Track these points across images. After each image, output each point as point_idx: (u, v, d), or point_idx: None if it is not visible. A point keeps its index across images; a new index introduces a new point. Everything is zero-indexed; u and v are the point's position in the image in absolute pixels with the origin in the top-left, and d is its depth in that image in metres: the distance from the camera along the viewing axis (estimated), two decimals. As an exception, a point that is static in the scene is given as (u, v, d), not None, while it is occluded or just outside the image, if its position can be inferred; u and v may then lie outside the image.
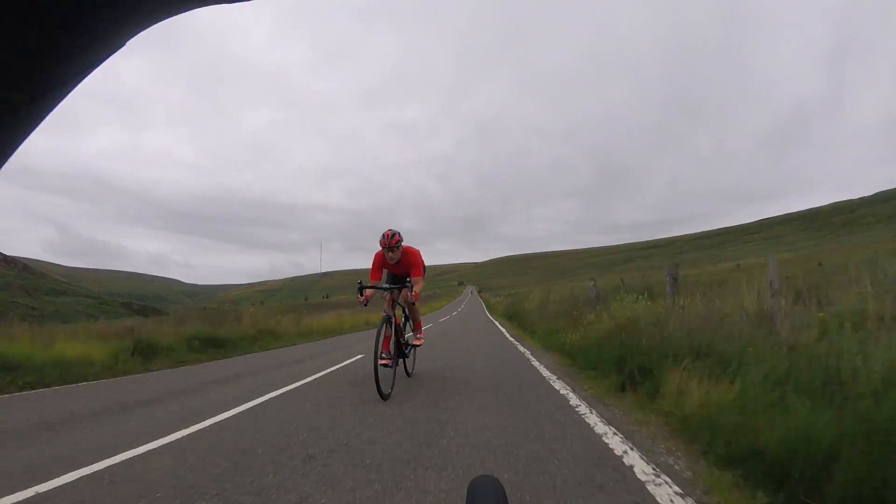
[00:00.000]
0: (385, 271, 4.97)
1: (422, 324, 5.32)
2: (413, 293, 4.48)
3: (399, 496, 2.05)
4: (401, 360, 4.92)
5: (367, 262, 5.17)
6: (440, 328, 14.89)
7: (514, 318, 16.14)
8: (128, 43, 0.27)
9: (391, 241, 4.49)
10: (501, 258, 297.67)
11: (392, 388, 4.26)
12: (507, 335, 11.20)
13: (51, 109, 0.28)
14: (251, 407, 4.00)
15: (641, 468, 2.32)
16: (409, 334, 5.29)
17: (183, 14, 0.28)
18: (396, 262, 4.63)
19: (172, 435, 3.14)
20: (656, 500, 1.95)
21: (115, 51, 0.28)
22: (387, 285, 4.67)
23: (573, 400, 3.89)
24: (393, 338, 4.56)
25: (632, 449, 2.62)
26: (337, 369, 6.22)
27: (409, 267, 4.71)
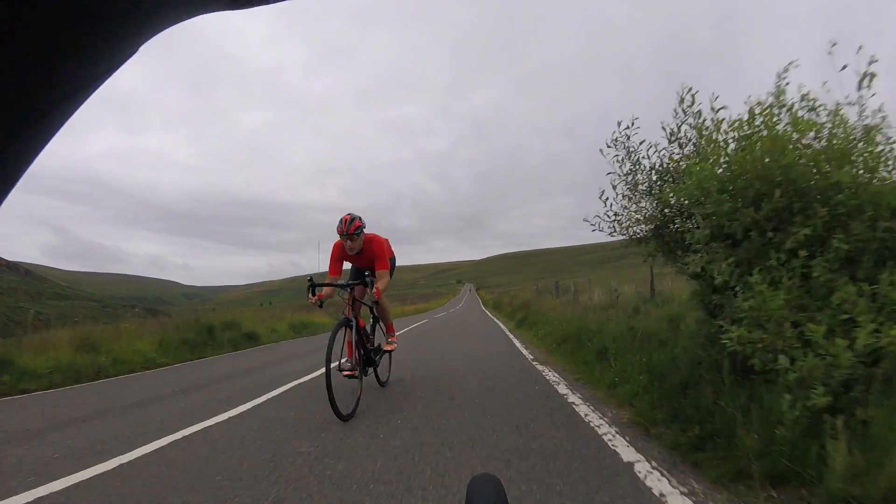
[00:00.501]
0: (352, 266, 4.20)
1: (394, 325, 4.45)
2: (375, 289, 3.64)
3: None
4: (371, 370, 4.18)
5: None
6: (450, 315, 23.89)
7: (496, 307, 25.20)
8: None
9: (349, 228, 3.75)
10: (499, 255, 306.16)
11: (356, 406, 3.45)
12: (490, 315, 20.28)
13: (72, 113, 0.28)
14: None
15: (526, 352, 11.40)
16: (380, 341, 4.33)
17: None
18: (358, 252, 3.88)
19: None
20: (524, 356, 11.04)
21: (132, 55, 0.28)
22: (343, 282, 3.83)
23: (506, 332, 13.00)
24: (356, 344, 3.71)
25: (521, 346, 11.69)
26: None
27: (374, 259, 3.93)
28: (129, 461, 2.66)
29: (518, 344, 8.48)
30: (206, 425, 3.36)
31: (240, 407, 3.89)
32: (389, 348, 4.31)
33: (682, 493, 2.00)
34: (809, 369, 2.01)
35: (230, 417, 3.58)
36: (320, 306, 3.70)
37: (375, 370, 4.28)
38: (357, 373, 3.63)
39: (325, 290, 3.67)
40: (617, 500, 1.93)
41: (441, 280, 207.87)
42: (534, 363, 6.04)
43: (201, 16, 0.29)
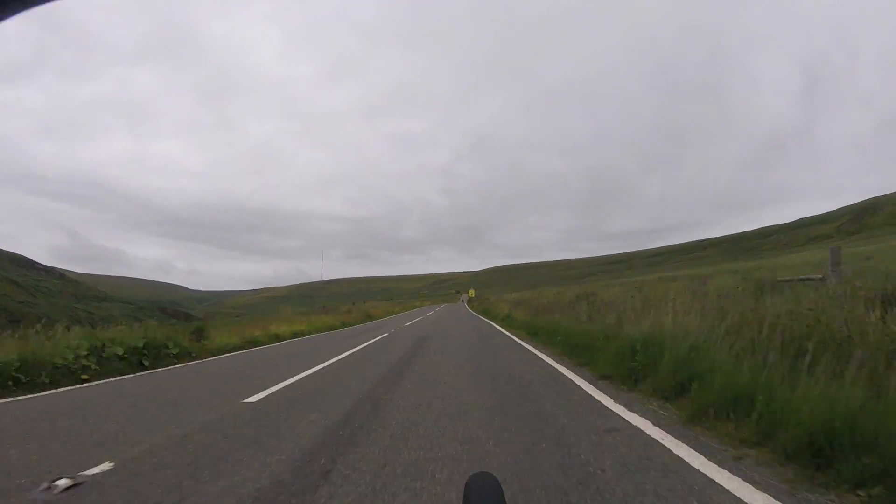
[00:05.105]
0: None
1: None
2: None
3: None
4: None
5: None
6: (446, 310, 46.40)
7: (474, 307, 48.00)
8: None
9: None
10: (495, 268, 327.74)
11: None
12: (470, 310, 43.05)
13: None
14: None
15: (500, 329, 34.26)
16: None
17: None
18: None
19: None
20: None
21: None
22: None
23: (475, 313, 35.93)
24: None
25: (493, 323, 34.57)
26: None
27: None
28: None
29: (482, 317, 31.15)
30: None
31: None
32: None
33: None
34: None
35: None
36: None
37: None
38: None
39: None
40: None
41: (442, 290, 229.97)
42: (496, 327, 28.97)
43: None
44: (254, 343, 12.00)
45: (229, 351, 10.41)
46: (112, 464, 2.95)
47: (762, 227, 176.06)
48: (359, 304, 49.07)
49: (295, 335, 15.11)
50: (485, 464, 2.80)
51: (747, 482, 2.37)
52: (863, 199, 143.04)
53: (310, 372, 6.81)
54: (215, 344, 10.28)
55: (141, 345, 7.97)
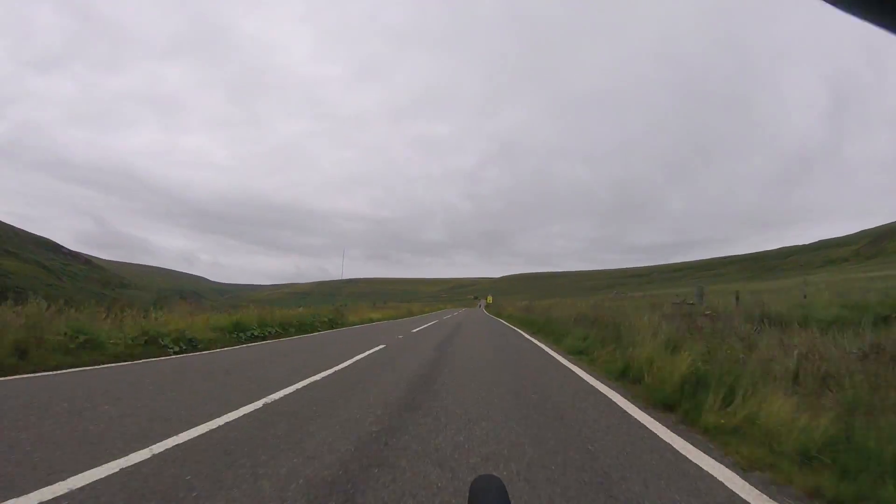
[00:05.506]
0: None
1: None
2: None
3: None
4: None
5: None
6: (466, 312, 54.19)
7: (490, 311, 55.70)
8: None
9: None
10: (514, 275, 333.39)
11: None
12: (486, 312, 50.92)
13: None
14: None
15: (501, 320, 42.22)
16: None
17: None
18: None
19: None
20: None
21: None
22: None
23: (489, 314, 43.91)
24: None
25: (498, 319, 42.52)
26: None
27: None
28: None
29: (498, 318, 39.19)
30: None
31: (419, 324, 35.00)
32: None
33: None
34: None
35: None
36: None
37: None
38: None
39: None
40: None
41: (461, 294, 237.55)
42: (510, 325, 37.01)
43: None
44: (369, 321, 20.52)
45: (355, 324, 18.75)
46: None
47: (782, 247, 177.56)
48: (393, 303, 57.12)
49: (382, 319, 23.45)
50: (483, 346, 10.89)
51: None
52: (883, 224, 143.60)
53: (423, 327, 15.32)
54: (349, 321, 18.65)
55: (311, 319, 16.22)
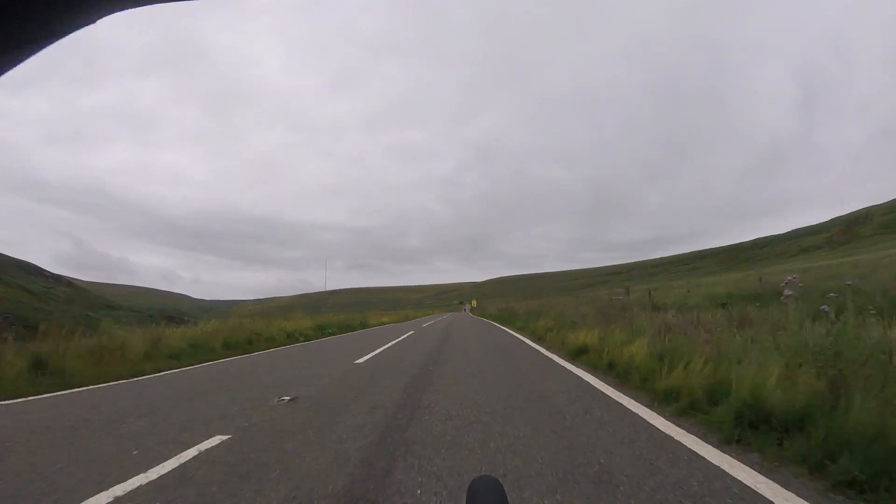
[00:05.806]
0: None
1: None
2: None
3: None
4: None
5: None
6: (454, 315, 60.76)
7: (475, 313, 62.41)
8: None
9: None
10: (498, 279, 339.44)
11: None
12: (471, 314, 57.64)
13: (11, 67, 0.29)
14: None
15: (482, 318, 48.87)
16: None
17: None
18: None
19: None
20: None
21: (87, 24, 0.30)
22: None
23: (474, 316, 50.61)
24: None
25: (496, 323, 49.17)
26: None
27: None
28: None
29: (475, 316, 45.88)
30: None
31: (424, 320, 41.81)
32: None
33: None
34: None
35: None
36: None
37: None
38: None
39: None
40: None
41: (445, 300, 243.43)
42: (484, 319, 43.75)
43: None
44: (384, 324, 27.11)
45: (377, 325, 25.24)
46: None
47: (757, 238, 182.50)
48: (385, 311, 62.91)
49: (392, 322, 29.96)
50: (471, 330, 17.62)
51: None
52: (854, 210, 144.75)
53: (429, 323, 22.62)
54: (370, 323, 25.12)
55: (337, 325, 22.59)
